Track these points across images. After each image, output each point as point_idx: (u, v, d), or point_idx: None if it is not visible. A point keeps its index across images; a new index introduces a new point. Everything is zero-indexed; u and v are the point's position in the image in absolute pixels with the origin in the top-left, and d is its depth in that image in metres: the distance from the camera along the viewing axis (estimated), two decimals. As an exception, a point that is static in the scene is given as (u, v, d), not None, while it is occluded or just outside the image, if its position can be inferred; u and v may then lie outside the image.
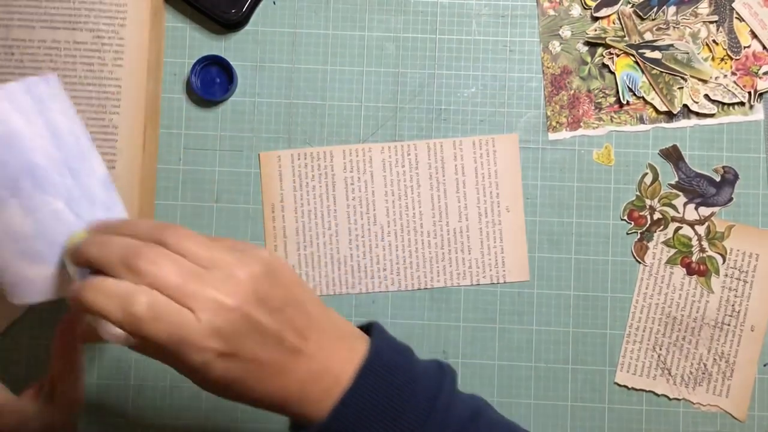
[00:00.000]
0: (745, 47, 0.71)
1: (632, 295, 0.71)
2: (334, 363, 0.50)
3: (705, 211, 0.71)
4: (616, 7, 0.71)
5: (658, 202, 0.71)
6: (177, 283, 0.45)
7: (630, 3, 0.71)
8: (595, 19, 0.71)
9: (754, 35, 0.71)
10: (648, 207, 0.71)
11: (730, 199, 0.71)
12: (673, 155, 0.71)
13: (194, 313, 0.45)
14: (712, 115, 0.71)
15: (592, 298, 0.71)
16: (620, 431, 0.71)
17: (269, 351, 0.47)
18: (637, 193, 0.71)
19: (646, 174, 0.71)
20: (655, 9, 0.71)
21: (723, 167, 0.71)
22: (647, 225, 0.71)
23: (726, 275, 0.71)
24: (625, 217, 0.71)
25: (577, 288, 0.72)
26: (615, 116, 0.72)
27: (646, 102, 0.71)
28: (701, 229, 0.71)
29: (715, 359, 0.70)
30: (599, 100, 0.72)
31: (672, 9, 0.71)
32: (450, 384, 0.52)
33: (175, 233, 0.47)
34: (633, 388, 0.71)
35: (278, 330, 0.47)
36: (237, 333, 0.46)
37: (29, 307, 0.72)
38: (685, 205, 0.71)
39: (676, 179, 0.71)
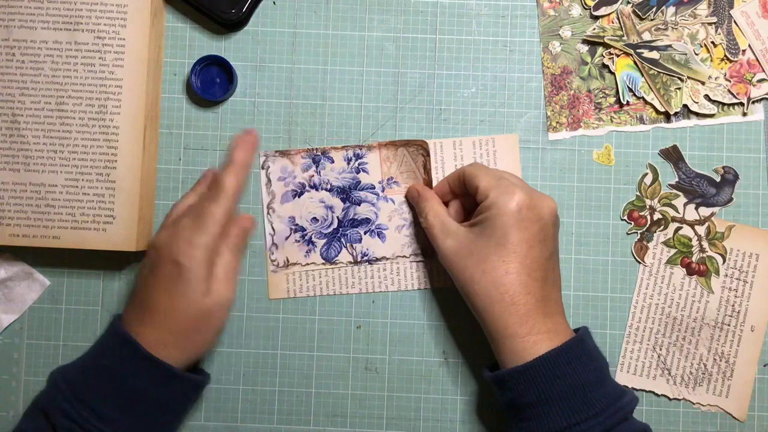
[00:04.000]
0: (743, 49, 0.71)
1: (632, 295, 0.71)
2: (560, 327, 0.63)
3: (705, 211, 0.71)
4: (615, 6, 0.71)
5: (658, 202, 0.71)
6: None
7: (629, 2, 0.71)
8: (595, 18, 0.71)
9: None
10: (648, 207, 0.71)
11: (730, 199, 0.71)
12: (673, 155, 0.71)
13: None
14: (712, 116, 0.71)
15: (592, 298, 0.71)
16: (620, 431, 0.71)
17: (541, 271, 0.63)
18: (637, 193, 0.71)
19: (646, 174, 0.71)
20: (654, 9, 0.71)
21: (723, 167, 0.71)
22: (647, 225, 0.71)
23: (726, 275, 0.71)
24: (625, 217, 0.71)
25: (577, 288, 0.72)
26: (615, 116, 0.72)
27: (646, 102, 0.71)
28: (701, 229, 0.71)
29: (715, 359, 0.70)
30: (599, 100, 0.72)
31: (671, 9, 0.71)
32: (633, 402, 0.62)
33: None
34: (633, 388, 0.71)
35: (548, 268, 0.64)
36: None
37: (29, 308, 0.72)
38: (685, 205, 0.71)
39: (676, 179, 0.71)
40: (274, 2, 0.73)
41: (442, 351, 0.72)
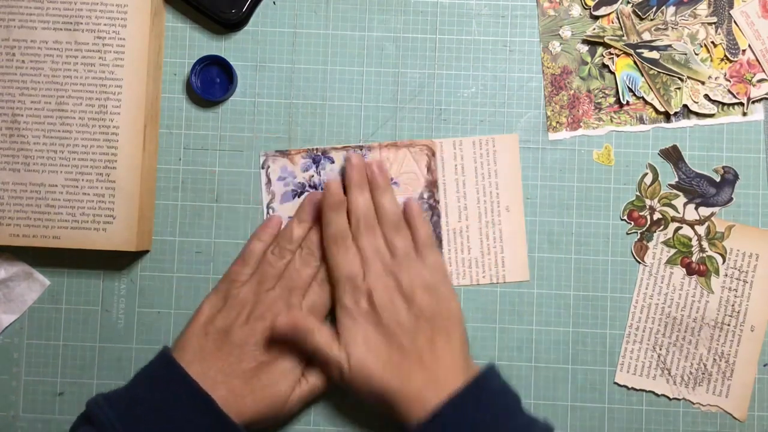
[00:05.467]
0: (743, 49, 0.71)
1: (632, 295, 0.71)
2: (450, 377, 0.63)
3: (705, 211, 0.71)
4: (615, 6, 0.71)
5: (658, 202, 0.71)
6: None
7: (629, 2, 0.71)
8: (595, 18, 0.71)
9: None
10: (648, 207, 0.71)
11: (730, 199, 0.71)
12: (673, 155, 0.71)
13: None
14: (711, 115, 0.71)
15: (592, 298, 0.71)
16: (620, 431, 0.71)
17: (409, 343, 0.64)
18: (637, 193, 0.71)
19: (646, 174, 0.71)
20: (654, 9, 0.71)
21: (723, 167, 0.71)
22: (647, 225, 0.71)
23: (726, 275, 0.71)
24: (625, 217, 0.71)
25: (577, 288, 0.72)
26: (615, 116, 0.72)
27: (646, 102, 0.71)
28: (701, 229, 0.71)
29: (715, 359, 0.70)
30: (599, 100, 0.72)
31: (671, 9, 0.71)
32: None
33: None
34: (633, 388, 0.71)
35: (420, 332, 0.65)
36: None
37: (29, 308, 0.72)
38: (685, 205, 0.71)
39: (676, 179, 0.71)
40: (274, 2, 0.73)
41: (442, 351, 0.72)
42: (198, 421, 0.62)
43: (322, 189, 0.72)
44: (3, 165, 0.68)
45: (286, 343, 0.66)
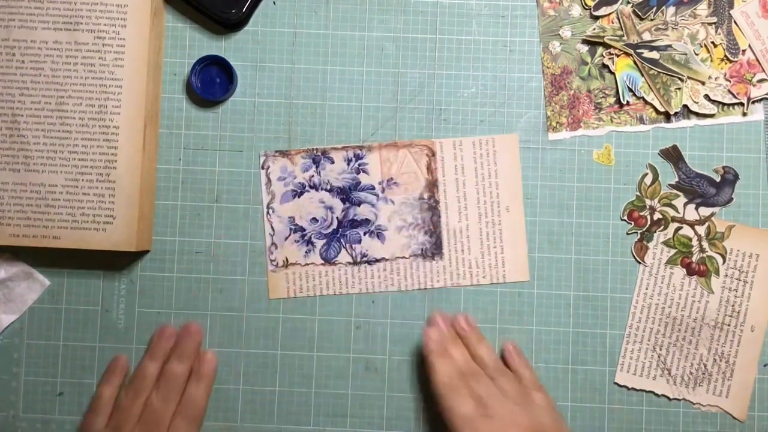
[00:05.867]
0: (743, 49, 0.71)
1: (632, 295, 0.71)
2: None
3: (705, 211, 0.71)
4: (615, 6, 0.71)
5: (658, 202, 0.71)
6: None
7: (629, 2, 0.71)
8: (595, 18, 0.71)
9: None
10: (648, 207, 0.71)
11: (730, 199, 0.71)
12: (673, 155, 0.71)
13: None
14: (712, 116, 0.71)
15: (592, 298, 0.71)
16: (620, 431, 0.71)
17: None
18: (637, 193, 0.71)
19: (646, 174, 0.71)
20: (654, 9, 0.71)
21: (723, 167, 0.71)
22: (647, 225, 0.71)
23: (726, 275, 0.71)
24: (625, 217, 0.71)
25: (577, 288, 0.72)
26: (615, 116, 0.72)
27: (646, 102, 0.71)
28: (701, 230, 0.71)
29: (715, 359, 0.70)
30: (599, 100, 0.72)
31: (671, 9, 0.71)
32: None
33: None
34: (633, 388, 0.71)
35: None
36: None
37: (29, 308, 0.72)
38: (685, 205, 0.71)
39: (676, 179, 0.71)
40: (274, 2, 0.73)
41: (442, 351, 0.72)
42: None
43: (322, 188, 0.72)
44: (3, 165, 0.68)
45: None
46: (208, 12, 0.71)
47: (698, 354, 0.71)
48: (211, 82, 0.72)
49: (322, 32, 0.72)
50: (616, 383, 0.71)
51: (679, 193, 0.71)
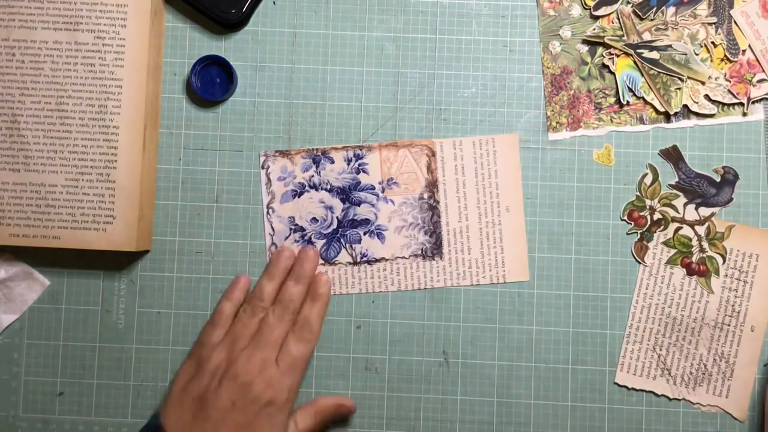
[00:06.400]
0: (743, 49, 0.71)
1: (632, 295, 0.71)
2: None
3: (705, 211, 0.71)
4: (615, 6, 0.71)
5: (658, 202, 0.71)
6: None
7: (629, 2, 0.71)
8: (595, 18, 0.71)
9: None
10: (648, 207, 0.71)
11: (730, 199, 0.71)
12: (673, 155, 0.71)
13: None
14: (712, 116, 0.71)
15: (592, 298, 0.71)
16: (620, 431, 0.71)
17: None
18: (637, 193, 0.71)
19: (646, 174, 0.71)
20: (654, 9, 0.71)
21: (723, 167, 0.71)
22: (647, 225, 0.71)
23: (726, 275, 0.71)
24: (625, 218, 0.71)
25: (577, 288, 0.72)
26: (615, 116, 0.72)
27: (646, 102, 0.71)
28: (701, 230, 0.71)
29: (715, 359, 0.70)
30: (599, 100, 0.72)
31: (671, 9, 0.71)
32: None
33: None
34: (633, 388, 0.71)
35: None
36: None
37: (29, 308, 0.72)
38: (685, 205, 0.71)
39: (676, 179, 0.71)
40: (274, 2, 0.73)
41: (442, 351, 0.72)
42: None
43: (321, 188, 0.72)
44: (3, 165, 0.68)
45: (263, 402, 0.66)
46: (208, 12, 0.71)
47: (698, 354, 0.71)
48: (211, 82, 0.72)
49: (322, 32, 0.72)
50: (616, 383, 0.71)
51: (679, 193, 0.71)
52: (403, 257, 0.72)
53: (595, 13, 0.71)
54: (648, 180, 0.71)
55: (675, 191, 0.71)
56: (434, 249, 0.71)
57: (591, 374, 0.71)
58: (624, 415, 0.71)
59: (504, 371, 0.71)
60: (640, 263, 0.71)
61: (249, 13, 0.72)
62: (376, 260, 0.72)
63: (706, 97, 0.71)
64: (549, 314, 0.71)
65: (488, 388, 0.71)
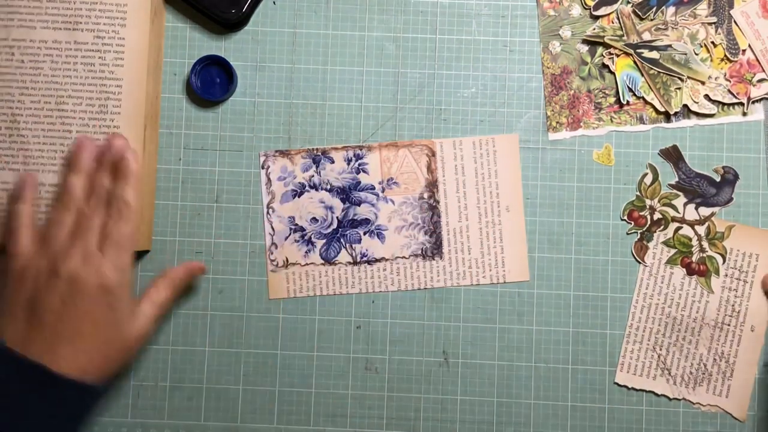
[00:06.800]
0: (743, 49, 0.71)
1: (632, 295, 0.71)
2: None
3: (705, 211, 0.71)
4: (615, 6, 0.71)
5: (658, 202, 0.71)
6: None
7: (629, 2, 0.71)
8: (595, 18, 0.71)
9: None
10: (648, 207, 0.71)
11: (730, 199, 0.71)
12: (673, 155, 0.71)
13: None
14: (711, 115, 0.71)
15: (592, 298, 0.71)
16: (620, 431, 0.71)
17: None
18: (637, 193, 0.71)
19: (646, 174, 0.71)
20: (654, 9, 0.71)
21: (723, 167, 0.71)
22: (647, 225, 0.71)
23: (726, 275, 0.71)
24: (625, 217, 0.71)
25: (577, 288, 0.72)
26: (615, 116, 0.72)
27: (646, 102, 0.71)
28: (701, 229, 0.71)
29: (715, 359, 0.70)
30: (599, 100, 0.72)
31: (671, 9, 0.71)
32: None
33: None
34: (633, 388, 0.71)
35: None
36: None
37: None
38: (685, 205, 0.71)
39: (676, 179, 0.71)
40: (274, 2, 0.73)
41: (442, 351, 0.72)
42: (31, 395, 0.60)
43: (322, 188, 0.72)
44: (3, 165, 0.68)
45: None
46: (208, 12, 0.71)
47: (698, 354, 0.71)
48: (211, 82, 0.72)
49: (322, 32, 0.72)
50: (616, 383, 0.71)
51: (679, 193, 0.71)
52: (403, 257, 0.72)
53: (595, 13, 0.71)
54: (648, 180, 0.71)
55: (675, 191, 0.71)
56: (434, 249, 0.71)
57: (591, 374, 0.71)
58: (624, 415, 0.71)
59: (504, 371, 0.71)
60: (640, 263, 0.71)
61: (249, 13, 0.72)
62: (376, 260, 0.72)
63: (706, 97, 0.71)
64: (549, 314, 0.71)
65: (488, 388, 0.71)
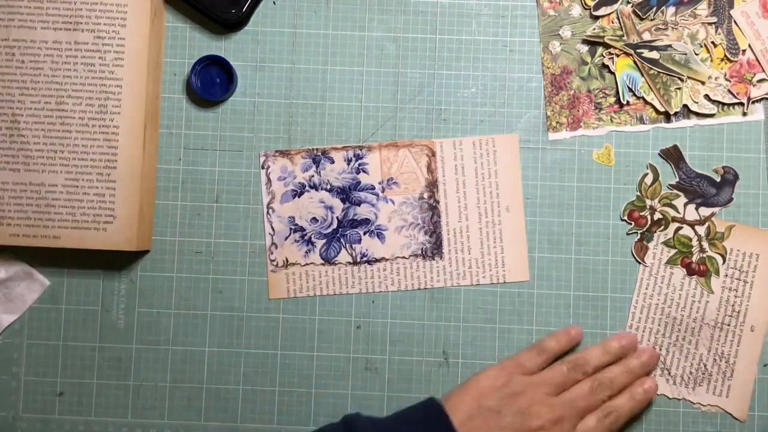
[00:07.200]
0: (743, 49, 0.71)
1: (632, 295, 0.71)
2: None
3: (705, 211, 0.71)
4: (615, 6, 0.71)
5: (659, 202, 0.71)
6: None
7: (629, 2, 0.71)
8: (595, 18, 0.71)
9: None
10: (648, 207, 0.71)
11: (730, 199, 0.71)
12: (673, 155, 0.71)
13: None
14: (712, 116, 0.71)
15: (592, 298, 0.71)
16: (620, 431, 0.71)
17: None
18: (638, 193, 0.71)
19: (647, 174, 0.71)
20: (654, 9, 0.71)
21: (723, 167, 0.71)
22: (647, 225, 0.71)
23: (726, 275, 0.71)
24: (626, 217, 0.71)
25: (577, 288, 0.71)
26: (615, 116, 0.72)
27: (646, 102, 0.71)
28: (701, 230, 0.71)
29: (715, 359, 0.70)
30: (599, 100, 0.72)
31: (671, 9, 0.71)
32: None
33: None
34: (633, 388, 0.71)
35: None
36: None
37: (29, 308, 0.72)
38: (685, 205, 0.71)
39: (677, 179, 0.71)
40: (274, 2, 0.73)
41: (442, 351, 0.72)
42: None
43: (322, 188, 0.72)
44: (3, 165, 0.68)
45: None
46: (208, 12, 0.71)
47: (698, 354, 0.71)
48: (211, 82, 0.72)
49: (322, 32, 0.72)
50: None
51: (679, 193, 0.71)
52: (403, 257, 0.72)
53: (595, 13, 0.71)
54: (648, 180, 0.71)
55: (675, 191, 0.71)
56: (434, 249, 0.71)
57: (591, 374, 0.71)
58: (624, 415, 0.71)
59: (504, 371, 0.71)
60: (640, 263, 0.71)
61: (249, 13, 0.72)
62: (376, 260, 0.72)
63: (706, 97, 0.71)
64: (549, 314, 0.71)
65: (488, 388, 0.71)
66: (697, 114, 0.71)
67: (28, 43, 0.68)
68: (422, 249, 0.72)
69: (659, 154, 0.72)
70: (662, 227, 0.71)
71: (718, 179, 0.71)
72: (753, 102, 0.71)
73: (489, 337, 0.71)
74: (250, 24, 0.72)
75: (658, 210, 0.71)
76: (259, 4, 0.72)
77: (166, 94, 0.72)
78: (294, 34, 0.72)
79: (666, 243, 0.71)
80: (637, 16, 0.71)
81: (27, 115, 0.68)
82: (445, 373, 0.71)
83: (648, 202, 0.71)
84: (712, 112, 0.71)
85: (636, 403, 0.68)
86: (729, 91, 0.71)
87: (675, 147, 0.71)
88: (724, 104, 0.71)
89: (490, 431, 0.64)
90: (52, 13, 0.68)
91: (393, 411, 0.71)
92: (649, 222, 0.71)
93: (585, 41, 0.72)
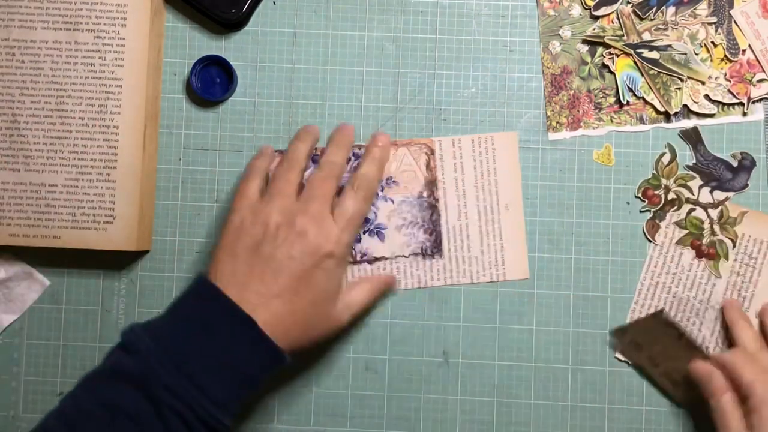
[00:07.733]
0: (743, 49, 0.71)
1: (632, 295, 0.71)
2: None
3: (719, 195, 0.71)
4: (615, 6, 0.71)
5: (674, 182, 0.71)
6: None
7: (629, 2, 0.71)
8: (595, 18, 0.72)
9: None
10: (663, 186, 0.71)
11: (746, 185, 0.71)
12: (692, 137, 0.71)
13: None
14: (712, 116, 0.71)
15: (592, 298, 0.71)
16: (620, 431, 0.70)
17: None
18: (654, 171, 0.71)
19: (664, 153, 0.71)
20: (654, 9, 0.71)
21: (741, 153, 0.71)
22: (661, 204, 0.71)
23: (735, 260, 0.71)
24: (640, 195, 0.71)
25: (577, 288, 0.71)
26: (615, 116, 0.72)
27: (646, 102, 0.71)
28: (714, 213, 0.71)
29: (717, 342, 0.70)
30: (599, 100, 0.72)
31: (671, 9, 0.71)
32: None
33: None
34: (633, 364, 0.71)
35: None
36: None
37: (29, 308, 0.72)
38: (700, 187, 0.71)
39: (694, 161, 0.71)
40: (274, 2, 0.73)
41: (442, 351, 0.72)
42: (240, 348, 0.58)
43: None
44: (3, 165, 0.68)
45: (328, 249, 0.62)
46: (208, 12, 0.71)
47: (701, 336, 0.70)
48: (211, 82, 0.72)
49: (322, 32, 0.72)
50: (616, 358, 0.71)
51: (695, 175, 0.71)
52: (403, 256, 0.72)
53: (595, 13, 0.71)
54: (666, 159, 0.71)
55: (691, 173, 0.71)
56: (434, 247, 0.71)
57: (591, 374, 0.71)
58: (624, 415, 0.71)
59: (504, 371, 0.71)
60: (650, 242, 0.71)
61: (249, 13, 0.72)
62: (376, 259, 0.72)
63: (706, 97, 0.71)
64: (549, 314, 0.71)
65: (488, 388, 0.71)
66: (697, 114, 0.71)
67: (28, 43, 0.68)
68: (422, 247, 0.72)
69: (679, 135, 0.71)
70: (675, 207, 0.71)
71: (735, 164, 0.71)
72: (753, 102, 0.71)
73: (489, 337, 0.71)
74: (250, 24, 0.73)
75: (672, 190, 0.71)
76: (259, 4, 0.72)
77: (166, 94, 0.72)
78: (294, 34, 0.73)
79: (678, 223, 0.71)
80: (637, 16, 0.71)
81: (27, 115, 0.68)
82: (445, 373, 0.71)
83: (663, 181, 0.71)
84: (712, 112, 0.71)
85: (378, 161, 0.68)
86: (729, 91, 0.71)
87: (695, 128, 0.71)
88: (724, 104, 0.71)
89: (268, 268, 0.61)
90: (52, 13, 0.68)
91: (393, 411, 0.71)
92: (663, 201, 0.71)
93: (585, 41, 0.72)
